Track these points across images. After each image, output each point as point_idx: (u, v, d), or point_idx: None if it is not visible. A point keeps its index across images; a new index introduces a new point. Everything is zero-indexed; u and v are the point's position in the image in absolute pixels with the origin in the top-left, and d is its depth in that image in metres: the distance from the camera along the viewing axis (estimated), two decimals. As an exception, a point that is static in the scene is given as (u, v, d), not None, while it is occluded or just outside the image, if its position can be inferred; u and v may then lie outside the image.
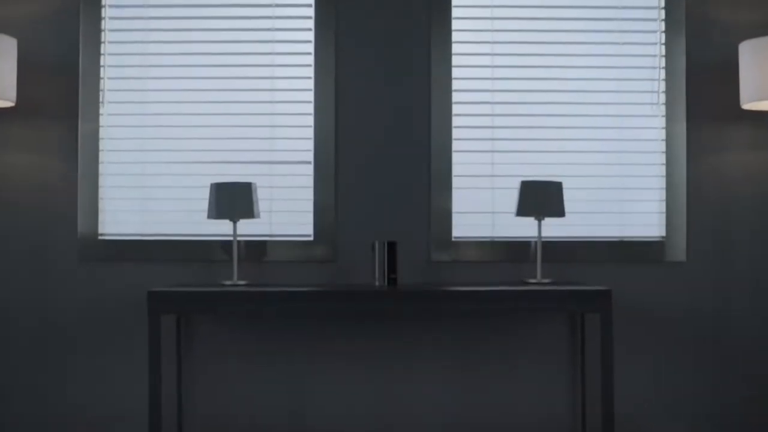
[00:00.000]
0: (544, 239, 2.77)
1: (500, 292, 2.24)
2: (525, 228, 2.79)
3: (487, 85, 2.82)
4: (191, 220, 2.78)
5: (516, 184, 2.81)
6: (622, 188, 2.81)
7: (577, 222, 2.80)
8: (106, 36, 2.79)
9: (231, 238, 2.72)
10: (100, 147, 2.77)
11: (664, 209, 2.79)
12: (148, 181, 2.79)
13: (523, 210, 2.55)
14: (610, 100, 2.82)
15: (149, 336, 2.17)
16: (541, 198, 2.53)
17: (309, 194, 2.80)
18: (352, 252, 2.77)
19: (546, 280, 2.58)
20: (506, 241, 2.76)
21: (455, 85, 2.81)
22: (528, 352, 2.74)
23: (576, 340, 2.74)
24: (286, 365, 2.73)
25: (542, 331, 2.75)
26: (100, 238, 2.75)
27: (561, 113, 2.81)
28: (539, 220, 2.59)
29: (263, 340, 2.74)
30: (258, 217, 2.55)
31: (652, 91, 2.82)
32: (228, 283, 2.52)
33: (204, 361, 2.73)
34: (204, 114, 2.80)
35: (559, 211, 2.55)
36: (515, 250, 2.76)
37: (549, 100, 2.81)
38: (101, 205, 2.77)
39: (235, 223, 2.54)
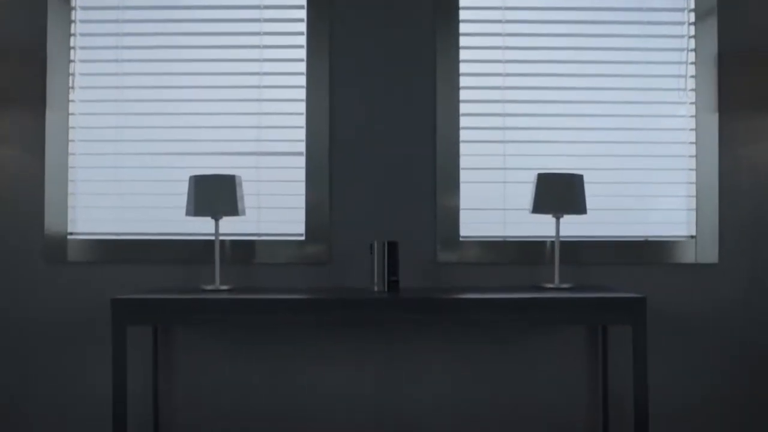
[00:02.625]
0: (562, 239, 2.51)
1: (517, 301, 1.96)
2: (540, 226, 2.52)
3: (498, 68, 2.55)
4: (171, 218, 2.52)
5: (530, 177, 2.54)
6: (647, 182, 2.55)
7: (597, 220, 2.53)
8: (76, 14, 2.53)
9: (213, 238, 2.45)
10: (70, 137, 2.51)
11: (693, 206, 2.53)
12: (123, 175, 2.52)
13: (539, 206, 2.29)
14: (632, 86, 2.55)
15: (113, 352, 1.89)
16: (559, 193, 2.27)
17: (301, 189, 2.53)
18: (348, 253, 2.50)
19: (565, 285, 2.31)
20: (519, 241, 2.50)
21: (463, 68, 2.54)
22: (541, 359, 2.48)
23: (596, 347, 2.47)
24: (275, 372, 2.47)
25: (558, 336, 2.48)
26: (69, 237, 2.48)
27: (579, 99, 2.55)
28: (557, 218, 2.33)
29: (248, 342, 2.47)
30: (243, 214, 2.29)
31: (679, 76, 2.55)
32: (209, 288, 2.26)
33: (184, 365, 2.46)
34: (185, 100, 2.53)
35: (579, 208, 2.29)
36: (529, 251, 2.49)
37: (566, 84, 2.55)
38: (71, 200, 2.50)
39: (217, 220, 2.28)
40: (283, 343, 2.47)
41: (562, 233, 2.53)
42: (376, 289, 2.20)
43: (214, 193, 2.22)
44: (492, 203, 2.54)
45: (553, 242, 2.49)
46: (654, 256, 2.50)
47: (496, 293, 2.09)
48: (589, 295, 1.98)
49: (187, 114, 2.53)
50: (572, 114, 2.55)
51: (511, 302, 1.95)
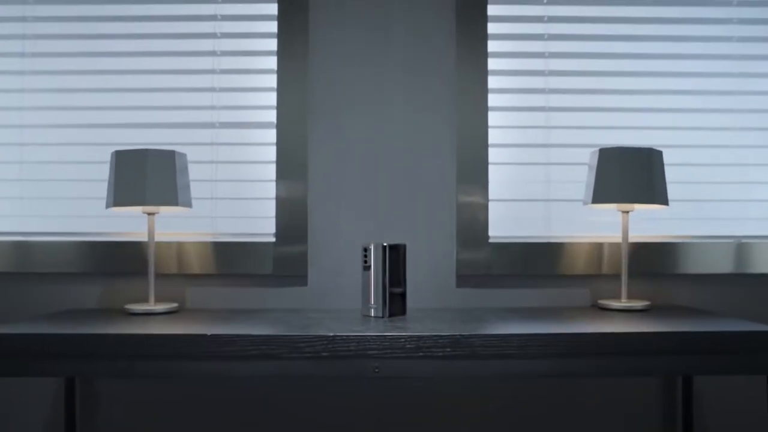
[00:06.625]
0: (632, 240, 1.84)
1: (597, 339, 1.26)
2: (596, 223, 1.86)
3: (538, 10, 1.89)
4: (97, 213, 1.86)
5: (584, 157, 1.87)
6: (740, 165, 1.89)
7: (673, 215, 1.87)
8: (-30, -62, 1.87)
9: (146, 239, 1.79)
10: (-41, 102, 1.86)
11: (803, 196, 1.87)
12: (31, 155, 1.87)
13: (601, 195, 1.63)
14: (718, 34, 1.89)
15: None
16: (630, 176, 1.60)
17: (271, 173, 1.87)
18: (334, 260, 1.84)
19: (638, 305, 1.65)
20: (569, 243, 1.83)
21: (491, 10, 1.88)
22: (595, 407, 1.82)
23: (672, 397, 1.81)
24: (236, 420, 1.81)
25: (618, 379, 1.82)
26: (-43, 239, 1.83)
27: (648, 52, 1.89)
28: (625, 212, 1.66)
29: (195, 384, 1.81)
30: (188, 206, 1.63)
31: (778, 24, 1.90)
32: (138, 309, 1.59)
33: (110, 418, 1.81)
34: (113, 54, 1.87)
35: (659, 197, 1.63)
36: (583, 257, 1.83)
37: (631, 32, 1.89)
38: (-41, 189, 1.85)
39: (150, 215, 1.62)
40: (247, 378, 1.82)
41: (632, 232, 1.87)
42: (372, 314, 1.53)
43: (146, 176, 1.56)
44: (532, 192, 1.88)
45: (616, 245, 1.82)
46: (750, 262, 1.84)
47: (544, 322, 1.43)
48: (694, 330, 1.29)
49: (118, 72, 1.87)
50: (639, 72, 1.89)
51: (583, 341, 1.27)
